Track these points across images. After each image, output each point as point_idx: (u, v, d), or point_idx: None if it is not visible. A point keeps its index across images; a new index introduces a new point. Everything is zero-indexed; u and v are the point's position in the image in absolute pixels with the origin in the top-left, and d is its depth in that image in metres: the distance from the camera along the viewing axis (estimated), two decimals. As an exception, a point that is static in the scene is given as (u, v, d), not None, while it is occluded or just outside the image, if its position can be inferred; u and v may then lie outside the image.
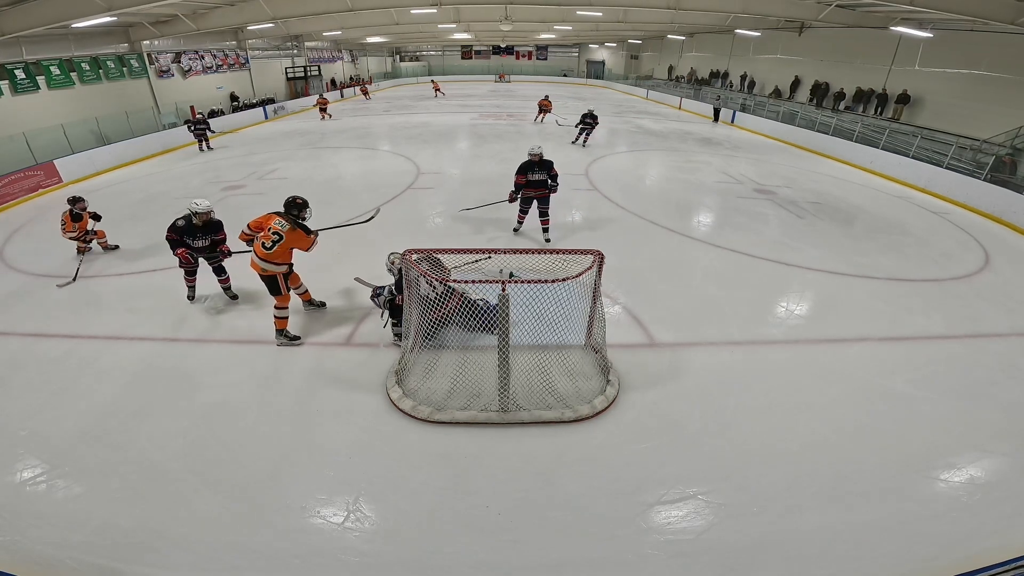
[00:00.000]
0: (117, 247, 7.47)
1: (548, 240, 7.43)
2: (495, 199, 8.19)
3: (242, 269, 6.23)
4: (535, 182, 7.04)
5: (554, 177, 7.07)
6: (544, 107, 18.83)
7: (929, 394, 4.41)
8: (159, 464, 3.57)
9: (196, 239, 5.30)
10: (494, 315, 4.70)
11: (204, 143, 14.95)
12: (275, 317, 4.92)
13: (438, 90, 29.97)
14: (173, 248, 5.29)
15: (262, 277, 4.78)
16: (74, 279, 6.44)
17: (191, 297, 5.77)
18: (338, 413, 4.07)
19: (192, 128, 14.79)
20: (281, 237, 4.62)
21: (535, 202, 7.25)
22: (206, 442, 3.77)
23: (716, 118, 20.90)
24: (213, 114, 18.62)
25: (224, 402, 4.19)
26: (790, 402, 4.25)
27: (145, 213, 9.09)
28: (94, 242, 7.27)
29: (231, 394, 4.29)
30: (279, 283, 4.78)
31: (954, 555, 2.98)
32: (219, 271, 5.74)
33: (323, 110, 21.20)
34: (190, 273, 5.65)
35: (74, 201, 6.96)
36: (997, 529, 3.17)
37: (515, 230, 7.74)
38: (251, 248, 4.83)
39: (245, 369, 4.63)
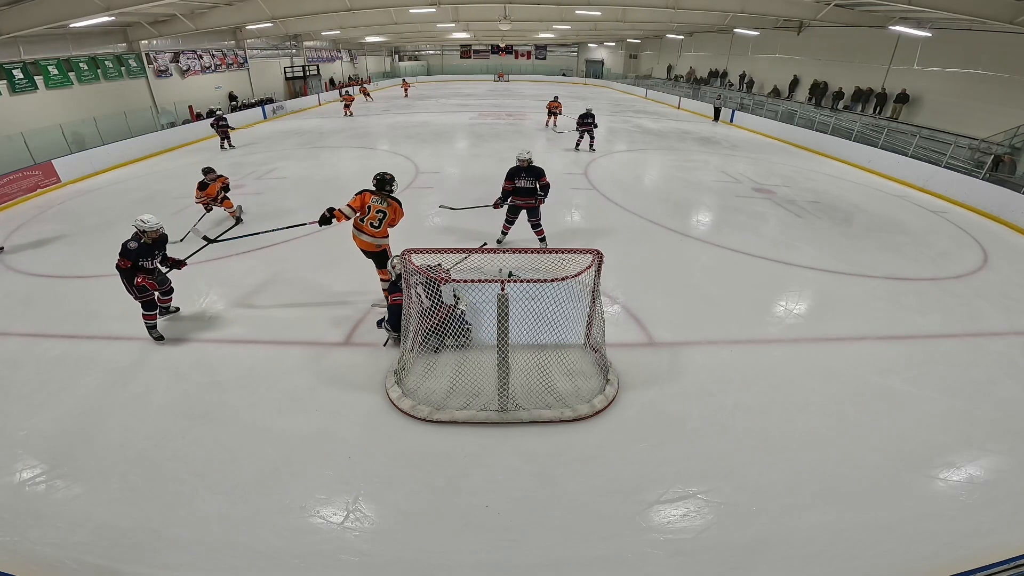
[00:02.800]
0: (240, 221, 8.44)
1: (543, 246, 6.85)
2: (492, 200, 7.94)
3: (190, 276, 6.19)
4: (522, 190, 6.49)
5: (544, 187, 6.50)
6: (554, 109, 17.25)
7: (927, 393, 4.42)
8: (158, 464, 3.57)
9: (147, 259, 4.83)
10: (468, 327, 4.74)
11: (227, 141, 14.83)
12: (384, 291, 5.39)
13: (407, 90, 30.35)
14: (129, 278, 4.75)
15: (372, 253, 5.27)
16: (182, 240, 7.16)
17: (160, 337, 5.05)
18: (337, 413, 4.07)
19: (215, 126, 14.66)
20: (386, 214, 5.09)
21: (524, 213, 6.72)
22: (205, 442, 3.77)
23: (716, 117, 20.90)
24: (212, 113, 18.57)
25: (223, 402, 4.19)
26: (789, 401, 4.26)
27: (143, 212, 9.05)
28: (215, 208, 8.28)
29: (230, 394, 4.28)
30: (388, 255, 5.27)
31: (953, 553, 2.99)
32: (168, 292, 5.24)
33: (347, 106, 21.47)
34: (151, 306, 4.97)
35: (205, 172, 8.10)
36: (996, 527, 3.18)
37: (498, 241, 7.11)
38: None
39: (244, 369, 4.62)
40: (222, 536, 3.07)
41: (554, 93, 20.84)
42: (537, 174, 6.48)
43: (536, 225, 6.80)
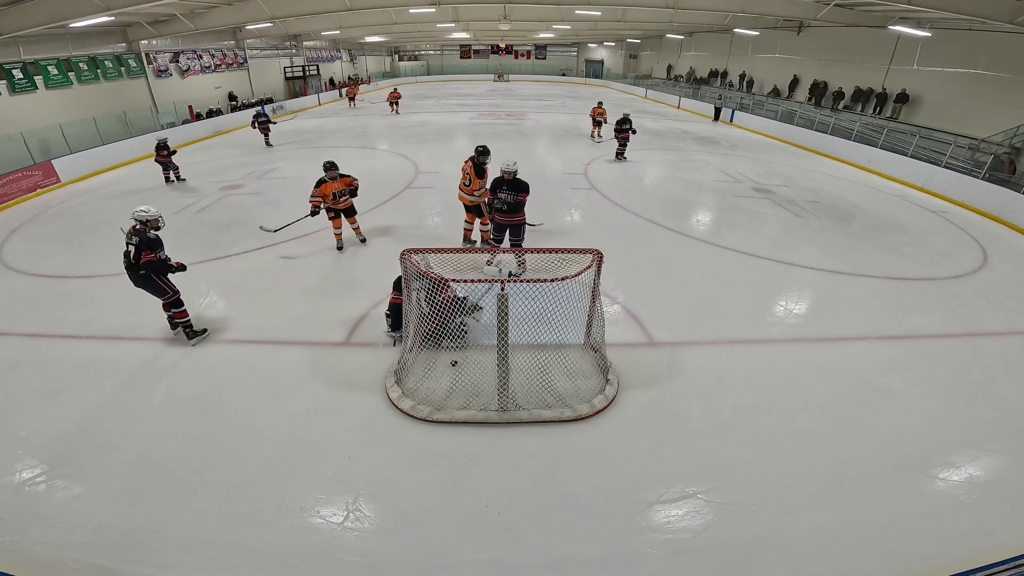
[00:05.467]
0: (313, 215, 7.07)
1: (522, 272, 5.93)
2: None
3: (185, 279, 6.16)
4: (502, 204, 5.98)
5: (519, 203, 5.96)
6: (597, 117, 15.33)
7: (927, 392, 4.42)
8: (158, 464, 3.57)
9: (162, 249, 4.57)
10: (465, 330, 4.73)
11: (267, 137, 14.45)
12: (482, 231, 7.03)
13: (380, 90, 30.41)
14: (163, 271, 4.44)
15: (469, 208, 6.77)
16: (276, 230, 7.17)
17: (204, 331, 4.93)
18: (337, 413, 4.07)
19: (255, 123, 14.30)
20: (471, 178, 6.43)
21: (507, 230, 6.18)
22: (205, 442, 3.77)
23: (717, 117, 20.90)
24: (212, 113, 18.56)
25: (222, 402, 4.18)
26: (788, 400, 4.26)
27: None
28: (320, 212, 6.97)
29: (229, 394, 4.28)
30: (483, 208, 6.63)
31: (952, 553, 2.99)
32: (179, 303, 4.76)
33: (352, 98, 21.87)
34: (180, 302, 4.76)
35: (326, 168, 6.71)
36: (995, 527, 3.18)
37: (488, 263, 6.09)
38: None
39: (244, 369, 4.62)
40: (222, 536, 3.07)
41: (598, 98, 18.20)
42: (519, 189, 5.93)
43: (516, 244, 6.18)
